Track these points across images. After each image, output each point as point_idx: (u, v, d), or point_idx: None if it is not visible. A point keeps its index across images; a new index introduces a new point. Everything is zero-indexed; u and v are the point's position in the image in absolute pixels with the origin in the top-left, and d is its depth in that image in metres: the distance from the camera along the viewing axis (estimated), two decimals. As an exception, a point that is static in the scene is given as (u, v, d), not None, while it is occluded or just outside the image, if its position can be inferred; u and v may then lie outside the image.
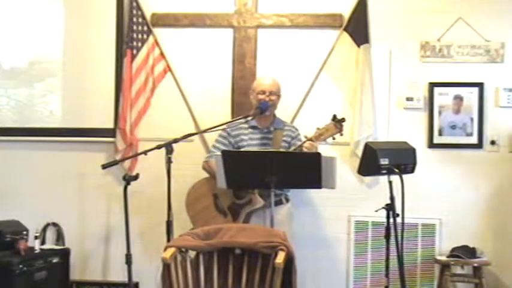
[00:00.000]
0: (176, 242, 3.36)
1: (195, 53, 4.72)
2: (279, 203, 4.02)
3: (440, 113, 4.53)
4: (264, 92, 4.08)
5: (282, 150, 3.97)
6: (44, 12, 4.93)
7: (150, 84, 4.70)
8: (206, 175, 4.17)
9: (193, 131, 4.46)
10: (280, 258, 3.10)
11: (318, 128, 3.86)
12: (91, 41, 4.86)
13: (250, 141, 4.10)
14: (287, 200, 4.13)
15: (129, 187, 3.71)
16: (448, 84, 4.52)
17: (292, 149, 3.95)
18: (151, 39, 4.70)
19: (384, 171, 3.46)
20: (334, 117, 3.84)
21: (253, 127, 4.14)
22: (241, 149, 4.08)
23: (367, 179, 4.49)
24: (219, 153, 3.93)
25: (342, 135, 3.87)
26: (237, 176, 3.75)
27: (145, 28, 4.69)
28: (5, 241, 4.32)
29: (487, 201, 4.49)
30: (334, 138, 3.87)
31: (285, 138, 4.08)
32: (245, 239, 3.30)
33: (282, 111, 4.30)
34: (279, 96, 4.14)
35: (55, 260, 4.48)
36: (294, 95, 4.56)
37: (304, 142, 3.87)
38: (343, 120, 3.83)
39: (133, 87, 4.65)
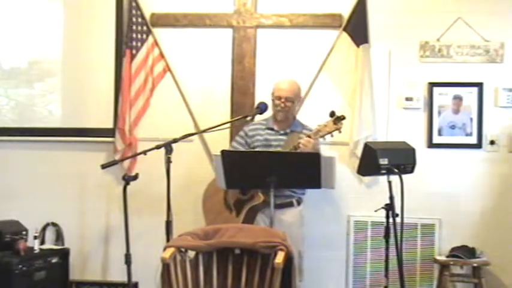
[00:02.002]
0: (175, 242, 3.36)
1: (195, 53, 4.72)
2: (288, 205, 4.00)
3: (439, 113, 4.53)
4: (279, 98, 4.03)
5: (281, 150, 3.96)
6: (43, 12, 4.93)
7: (149, 84, 4.70)
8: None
9: (193, 131, 4.46)
10: (279, 258, 3.10)
11: (318, 125, 3.86)
12: (91, 41, 4.86)
13: (265, 142, 4.07)
14: (298, 203, 4.08)
15: (128, 187, 3.72)
16: (447, 84, 4.52)
17: (292, 146, 3.93)
18: (150, 39, 4.70)
19: (384, 171, 3.46)
20: (333, 113, 3.81)
21: (271, 129, 4.11)
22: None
23: (366, 178, 4.49)
24: None
25: (340, 132, 3.85)
26: (236, 176, 3.75)
27: (144, 28, 4.69)
28: (5, 241, 4.32)
29: (486, 201, 4.49)
30: (332, 135, 3.87)
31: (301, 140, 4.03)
32: (244, 239, 3.30)
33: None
34: (296, 101, 4.09)
35: (54, 260, 4.48)
36: (294, 95, 4.56)
37: (302, 139, 3.87)
38: (342, 118, 3.80)
39: (132, 87, 4.65)
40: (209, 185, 4.21)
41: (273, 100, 4.08)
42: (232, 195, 4.06)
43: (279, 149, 4.00)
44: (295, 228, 3.92)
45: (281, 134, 4.08)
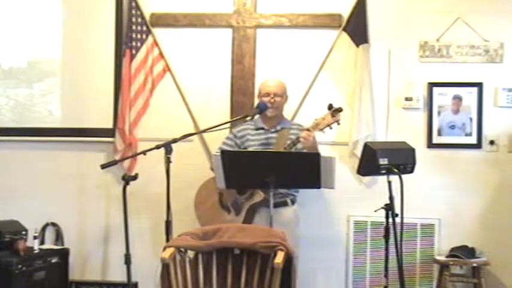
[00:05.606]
0: (175, 242, 3.36)
1: (194, 53, 4.72)
2: (283, 204, 4.01)
3: (439, 113, 4.53)
4: (268, 95, 4.07)
5: (281, 150, 3.95)
6: (43, 12, 4.93)
7: (149, 84, 4.70)
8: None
9: (193, 131, 4.46)
10: (279, 258, 3.10)
11: (316, 119, 3.87)
12: (90, 41, 4.85)
13: (256, 142, 4.09)
14: (293, 202, 4.09)
15: (128, 187, 3.72)
16: (447, 84, 4.52)
17: (290, 141, 3.93)
18: (150, 39, 4.70)
19: (383, 171, 3.46)
20: (330, 106, 3.83)
21: (260, 128, 4.13)
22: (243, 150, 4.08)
23: (366, 179, 4.49)
24: None
25: (339, 124, 3.86)
26: (236, 176, 3.75)
27: (144, 28, 4.69)
28: (4, 241, 4.32)
29: (486, 201, 4.49)
30: (331, 128, 3.87)
31: (291, 136, 4.03)
32: (244, 239, 3.29)
33: (281, 111, 4.30)
34: (284, 97, 4.14)
35: (54, 260, 4.48)
36: (293, 95, 4.53)
37: (302, 132, 3.87)
38: (340, 109, 3.82)
39: (132, 87, 4.65)
40: (197, 194, 4.21)
41: (261, 99, 4.10)
42: (229, 197, 4.06)
43: (272, 147, 4.01)
44: (291, 228, 3.89)
45: (272, 132, 4.10)
